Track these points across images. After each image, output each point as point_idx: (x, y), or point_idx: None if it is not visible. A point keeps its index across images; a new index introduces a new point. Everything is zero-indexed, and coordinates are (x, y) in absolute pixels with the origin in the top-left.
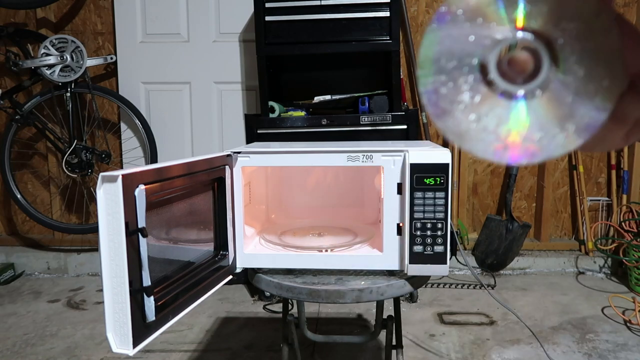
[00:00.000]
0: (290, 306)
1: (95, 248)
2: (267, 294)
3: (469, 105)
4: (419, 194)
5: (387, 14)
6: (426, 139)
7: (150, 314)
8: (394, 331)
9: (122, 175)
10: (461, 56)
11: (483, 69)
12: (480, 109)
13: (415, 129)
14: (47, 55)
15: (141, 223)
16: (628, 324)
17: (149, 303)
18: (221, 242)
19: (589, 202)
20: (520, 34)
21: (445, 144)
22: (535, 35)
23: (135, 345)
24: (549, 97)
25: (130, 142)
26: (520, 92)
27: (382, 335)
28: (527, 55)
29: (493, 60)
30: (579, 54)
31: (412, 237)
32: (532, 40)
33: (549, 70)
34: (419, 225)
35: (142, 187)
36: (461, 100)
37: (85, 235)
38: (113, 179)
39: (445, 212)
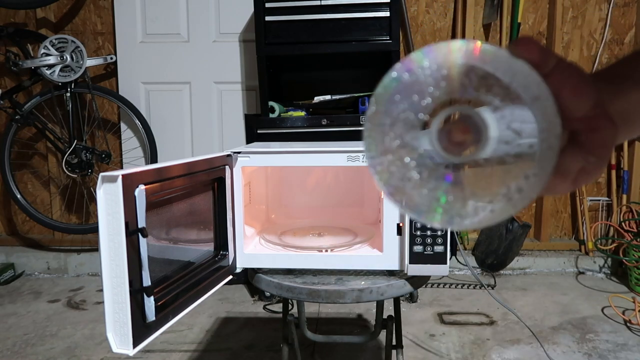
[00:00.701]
0: (290, 306)
1: (95, 248)
2: (267, 294)
3: (418, 181)
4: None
5: (387, 14)
6: None
7: (150, 314)
8: (394, 331)
9: (122, 175)
10: (403, 134)
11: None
12: (429, 183)
13: None
14: (47, 55)
15: (141, 223)
16: (628, 324)
17: (149, 303)
18: (221, 242)
19: (589, 202)
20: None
21: None
22: (470, 105)
23: (135, 345)
24: (488, 166)
25: (130, 142)
26: (460, 163)
27: (382, 335)
28: (463, 129)
29: (434, 136)
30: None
31: (412, 237)
32: (468, 111)
33: (488, 140)
34: (419, 225)
35: (142, 187)
36: (410, 178)
37: (85, 235)
38: (113, 179)
39: None
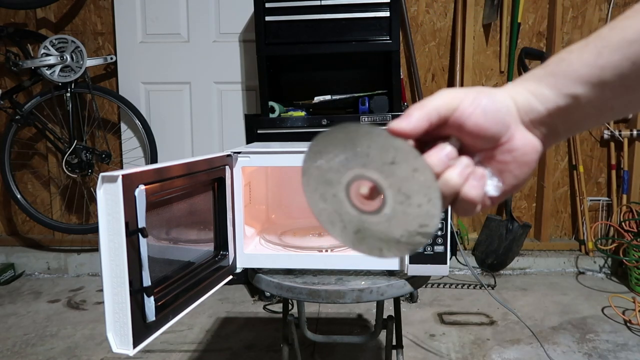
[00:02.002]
0: (290, 306)
1: (95, 248)
2: (267, 294)
3: (346, 224)
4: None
5: (387, 14)
6: None
7: (151, 314)
8: (394, 331)
9: (122, 176)
10: (325, 192)
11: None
12: (355, 225)
13: None
14: (47, 55)
15: (141, 223)
16: (628, 324)
17: (149, 303)
18: (221, 242)
19: (589, 202)
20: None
21: None
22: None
23: (135, 345)
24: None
25: (130, 142)
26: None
27: (382, 335)
28: (365, 190)
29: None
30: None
31: None
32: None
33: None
34: None
35: (142, 187)
36: (340, 221)
37: (85, 235)
38: (113, 179)
39: (445, 212)
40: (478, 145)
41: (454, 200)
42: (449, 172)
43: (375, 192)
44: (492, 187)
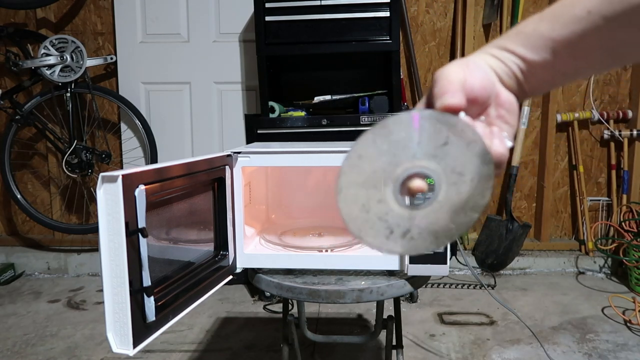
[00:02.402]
0: (290, 306)
1: (95, 248)
2: (267, 294)
3: (393, 228)
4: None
5: (387, 14)
6: None
7: (151, 314)
8: (394, 331)
9: (122, 176)
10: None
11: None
12: (404, 227)
13: None
14: (47, 55)
15: (141, 223)
16: (628, 324)
17: (149, 303)
18: (221, 242)
19: (589, 202)
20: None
21: None
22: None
23: (135, 345)
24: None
25: (130, 142)
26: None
27: (382, 335)
28: (421, 183)
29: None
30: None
31: None
32: (420, 169)
33: (441, 189)
34: None
35: (142, 187)
36: (385, 228)
37: (85, 235)
38: (113, 179)
39: None
40: (476, 110)
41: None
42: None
43: (425, 183)
44: (507, 139)
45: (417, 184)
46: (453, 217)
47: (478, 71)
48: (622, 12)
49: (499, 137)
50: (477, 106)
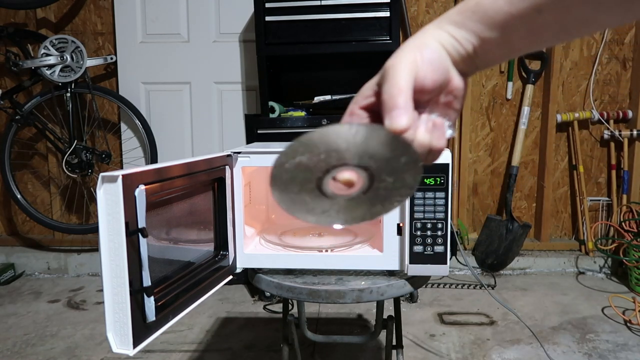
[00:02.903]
0: (290, 306)
1: (95, 248)
2: (267, 294)
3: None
4: (419, 194)
5: (387, 14)
6: None
7: (151, 314)
8: (394, 331)
9: (122, 176)
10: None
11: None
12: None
13: None
14: (47, 55)
15: (141, 223)
16: (628, 324)
17: (149, 303)
18: (221, 242)
19: (589, 202)
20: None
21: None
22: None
23: (135, 345)
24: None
25: (130, 142)
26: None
27: (382, 336)
28: (350, 176)
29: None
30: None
31: (413, 237)
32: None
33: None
34: (419, 225)
35: (142, 187)
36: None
37: (85, 235)
38: (113, 179)
39: (446, 212)
40: (426, 98)
41: (425, 156)
42: (419, 134)
43: (354, 177)
44: (448, 129)
45: (346, 175)
46: (370, 208)
47: (431, 62)
48: None
49: (440, 130)
50: (425, 96)
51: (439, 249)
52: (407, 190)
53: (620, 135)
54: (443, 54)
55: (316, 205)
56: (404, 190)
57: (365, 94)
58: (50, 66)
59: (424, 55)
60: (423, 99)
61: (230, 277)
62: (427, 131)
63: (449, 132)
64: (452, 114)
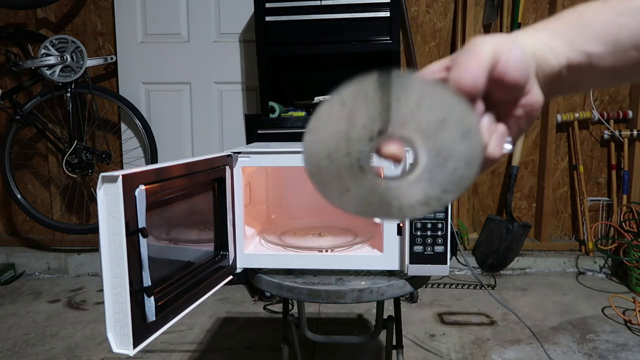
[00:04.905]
0: (290, 306)
1: (95, 248)
2: (268, 294)
3: (351, 188)
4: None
5: (387, 14)
6: None
7: (151, 314)
8: (394, 331)
9: (123, 176)
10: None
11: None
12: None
13: None
14: (47, 55)
15: (141, 223)
16: (628, 324)
17: (149, 303)
18: (221, 243)
19: (589, 202)
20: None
21: None
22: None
23: (135, 345)
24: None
25: (130, 142)
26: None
27: (383, 336)
28: (398, 150)
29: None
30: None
31: (413, 237)
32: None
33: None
34: (419, 225)
35: (142, 187)
36: (342, 185)
37: (85, 235)
38: (113, 179)
39: (446, 212)
40: (499, 97)
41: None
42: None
43: (402, 153)
44: (507, 144)
45: (394, 149)
46: (415, 201)
47: (517, 58)
48: None
49: (499, 139)
50: (498, 93)
51: (439, 249)
52: (447, 194)
53: (620, 135)
54: (530, 59)
55: (356, 187)
56: (462, 170)
57: (433, 69)
58: (51, 66)
59: (511, 47)
60: (495, 98)
61: (230, 277)
62: (488, 131)
63: (507, 147)
64: (516, 131)
